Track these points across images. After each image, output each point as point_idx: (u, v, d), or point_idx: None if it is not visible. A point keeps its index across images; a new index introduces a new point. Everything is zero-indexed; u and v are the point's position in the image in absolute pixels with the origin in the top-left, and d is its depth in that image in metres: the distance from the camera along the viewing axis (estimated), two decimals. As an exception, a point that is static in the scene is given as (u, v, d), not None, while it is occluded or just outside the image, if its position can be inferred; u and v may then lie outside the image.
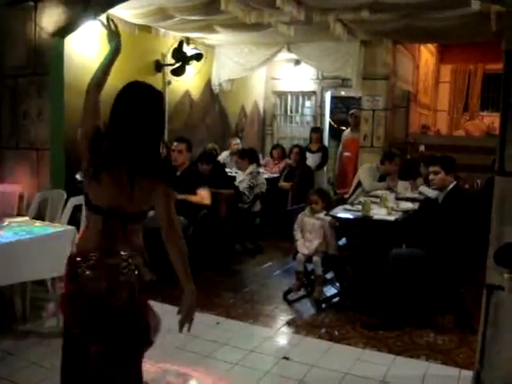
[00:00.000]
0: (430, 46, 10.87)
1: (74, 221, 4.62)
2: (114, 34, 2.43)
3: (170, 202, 2.28)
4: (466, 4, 5.25)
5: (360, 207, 5.14)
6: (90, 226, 2.29)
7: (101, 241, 2.24)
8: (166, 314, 2.46)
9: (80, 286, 2.24)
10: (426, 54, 10.87)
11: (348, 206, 5.45)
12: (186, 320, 2.25)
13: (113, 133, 2.21)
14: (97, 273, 2.22)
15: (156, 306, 2.44)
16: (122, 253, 2.22)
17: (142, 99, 2.24)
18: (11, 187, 5.43)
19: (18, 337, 4.12)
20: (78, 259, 2.25)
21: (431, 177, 4.68)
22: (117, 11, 6.05)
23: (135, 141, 2.19)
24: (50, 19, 5.26)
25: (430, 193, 5.68)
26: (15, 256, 3.68)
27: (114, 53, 2.43)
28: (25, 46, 5.38)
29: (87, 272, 2.23)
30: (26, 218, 4.50)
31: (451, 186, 4.59)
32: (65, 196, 5.04)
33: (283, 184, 7.75)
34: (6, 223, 4.12)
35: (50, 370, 3.63)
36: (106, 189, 2.20)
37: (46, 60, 5.32)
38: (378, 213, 5.10)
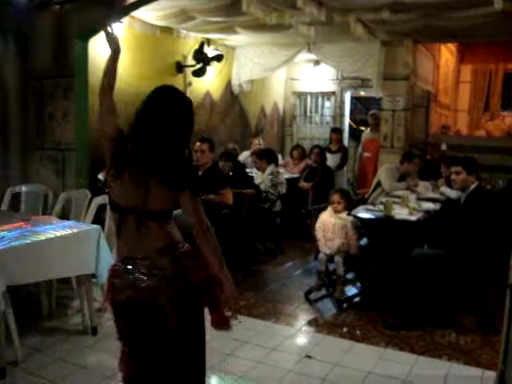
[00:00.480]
0: (450, 45, 10.82)
1: (98, 220, 4.69)
2: (112, 39, 2.48)
3: (196, 202, 2.29)
4: (488, 3, 5.24)
5: (381, 207, 5.15)
6: (114, 230, 2.33)
7: (122, 246, 2.28)
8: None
9: (113, 296, 2.30)
10: (447, 53, 10.82)
11: (369, 206, 5.45)
12: (232, 313, 2.34)
13: (138, 133, 2.22)
14: (122, 281, 2.26)
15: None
16: (140, 256, 2.22)
17: (170, 104, 2.24)
18: (36, 187, 5.54)
19: (44, 334, 4.21)
20: (111, 268, 2.33)
21: (453, 177, 4.68)
22: (139, 13, 6.16)
23: (159, 143, 2.19)
24: (75, 22, 5.36)
25: (452, 193, 5.68)
26: (42, 254, 3.74)
27: (115, 55, 2.48)
28: (50, 49, 5.49)
29: (115, 281, 2.29)
30: (52, 217, 4.57)
31: (473, 186, 4.58)
32: (89, 196, 5.11)
33: (303, 184, 7.76)
34: (31, 222, 4.19)
35: (75, 366, 3.72)
36: (124, 187, 2.23)
37: (71, 62, 5.43)
38: (400, 213, 5.11)
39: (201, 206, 2.30)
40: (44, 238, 3.82)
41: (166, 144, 2.20)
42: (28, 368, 3.64)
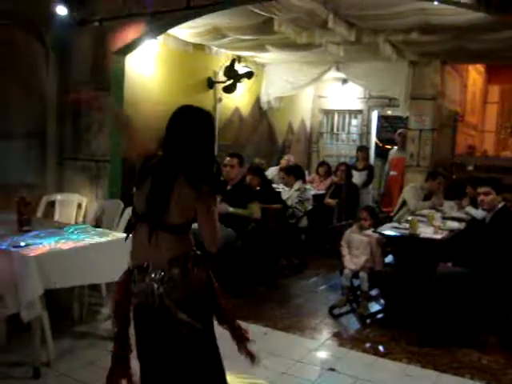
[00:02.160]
0: (478, 65, 10.84)
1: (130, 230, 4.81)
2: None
3: (212, 214, 2.34)
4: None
5: (407, 225, 5.21)
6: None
7: (136, 252, 2.43)
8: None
9: (130, 299, 2.44)
10: (474, 73, 10.84)
11: (395, 224, 5.52)
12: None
13: (166, 143, 2.41)
14: (135, 287, 2.40)
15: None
16: (152, 265, 2.34)
17: (188, 121, 2.41)
18: (71, 196, 5.72)
19: (75, 337, 4.35)
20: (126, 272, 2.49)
21: (481, 198, 4.72)
22: (173, 31, 6.33)
23: (185, 149, 2.36)
24: (113, 38, 5.57)
25: (477, 213, 5.71)
26: (77, 261, 3.88)
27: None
28: (89, 63, 5.71)
29: (132, 286, 2.43)
30: (86, 226, 4.73)
31: (500, 205, 4.63)
32: (122, 206, 5.26)
33: (329, 201, 7.83)
34: (66, 230, 4.35)
35: (104, 370, 3.82)
36: (143, 194, 2.39)
37: (108, 77, 5.63)
38: (425, 231, 5.16)
39: (216, 220, 2.36)
40: (79, 245, 3.97)
41: (190, 149, 2.36)
42: (60, 369, 3.77)
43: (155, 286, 2.31)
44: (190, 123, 2.39)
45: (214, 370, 2.46)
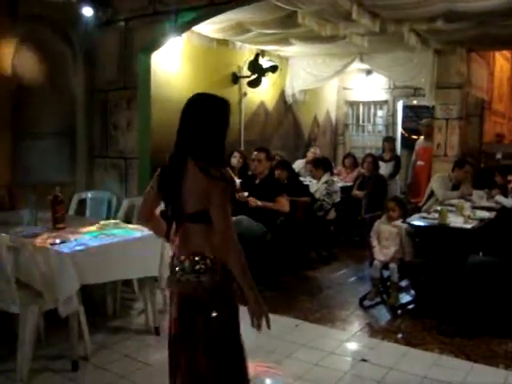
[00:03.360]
0: (505, 52, 10.67)
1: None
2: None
3: (222, 205, 2.27)
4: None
5: (436, 215, 5.18)
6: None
7: (173, 246, 2.47)
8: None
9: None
10: (501, 60, 10.67)
11: (424, 214, 5.50)
12: (254, 324, 2.31)
13: (181, 128, 2.41)
14: (172, 276, 2.45)
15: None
16: (182, 257, 2.36)
17: (199, 106, 2.41)
18: (101, 193, 5.82)
19: (110, 332, 4.45)
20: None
21: (511, 186, 4.68)
22: (197, 27, 6.37)
23: (193, 137, 2.35)
24: (138, 37, 5.64)
25: (507, 201, 5.66)
26: (111, 257, 3.95)
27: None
28: (116, 62, 5.79)
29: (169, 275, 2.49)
30: (118, 222, 4.80)
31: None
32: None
33: (357, 193, 7.81)
34: (98, 226, 4.43)
35: (140, 363, 3.92)
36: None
37: (134, 75, 5.69)
38: (455, 221, 5.13)
39: (228, 208, 2.29)
40: (112, 242, 4.03)
41: (200, 133, 2.35)
42: (97, 362, 3.86)
43: (183, 274, 2.35)
44: (201, 108, 2.39)
45: (234, 358, 2.45)
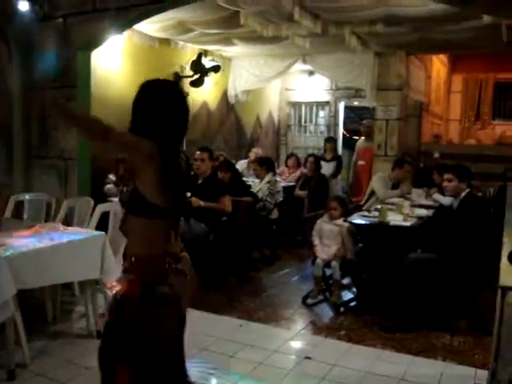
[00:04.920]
0: (441, 56, 11.03)
1: (101, 227, 4.78)
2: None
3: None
4: (477, 17, 5.43)
5: (377, 214, 5.30)
6: None
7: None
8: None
9: None
10: (438, 64, 11.03)
11: (365, 213, 5.60)
12: None
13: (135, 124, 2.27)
14: None
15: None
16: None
17: (152, 90, 2.27)
18: (39, 195, 5.64)
19: (50, 337, 4.30)
20: None
21: (445, 184, 4.84)
22: (138, 26, 6.28)
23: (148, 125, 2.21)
24: (77, 34, 5.51)
25: (444, 200, 5.83)
26: (50, 260, 3.83)
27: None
28: (54, 60, 5.62)
29: None
30: (57, 224, 4.67)
31: (464, 193, 4.73)
32: (92, 203, 5.21)
33: (299, 192, 7.89)
34: (38, 229, 4.30)
35: (82, 368, 3.81)
36: None
37: (73, 73, 5.55)
38: (394, 219, 5.25)
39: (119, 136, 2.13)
40: (50, 244, 3.92)
41: (157, 120, 2.22)
42: (36, 370, 3.72)
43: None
44: (154, 92, 2.25)
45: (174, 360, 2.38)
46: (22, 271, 3.58)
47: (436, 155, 9.35)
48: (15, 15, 5.38)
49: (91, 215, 5.02)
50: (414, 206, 6.06)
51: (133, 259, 2.23)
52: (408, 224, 5.13)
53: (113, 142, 2.12)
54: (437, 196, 6.20)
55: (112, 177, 6.01)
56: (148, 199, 2.18)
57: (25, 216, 5.49)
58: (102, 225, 4.76)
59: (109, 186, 6.05)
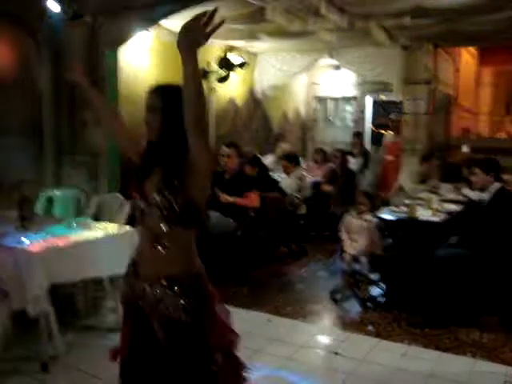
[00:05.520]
0: (470, 48, 10.86)
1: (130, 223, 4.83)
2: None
3: None
4: (508, 7, 5.34)
5: (405, 209, 5.26)
6: None
7: None
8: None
9: None
10: (467, 56, 10.86)
11: (393, 208, 5.57)
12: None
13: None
14: None
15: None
16: None
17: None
18: (69, 191, 5.73)
19: (81, 331, 4.40)
20: None
21: (472, 178, 4.78)
22: (165, 22, 6.32)
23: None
24: (105, 33, 5.57)
25: (474, 195, 5.75)
26: (78, 255, 3.91)
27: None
28: (82, 58, 5.70)
29: None
30: (87, 220, 4.74)
31: (496, 188, 4.66)
32: (120, 199, 5.27)
33: (326, 187, 7.86)
34: (67, 224, 4.37)
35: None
36: None
37: (101, 70, 5.62)
38: (423, 214, 5.20)
39: None
40: (81, 240, 4.00)
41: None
42: (68, 362, 3.81)
43: None
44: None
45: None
46: (53, 266, 3.66)
47: (465, 149, 9.21)
48: (45, 15, 5.47)
49: (120, 211, 5.09)
50: (442, 200, 5.99)
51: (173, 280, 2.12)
52: (437, 219, 5.08)
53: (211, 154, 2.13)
54: (466, 191, 6.11)
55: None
56: (201, 208, 2.10)
57: (55, 211, 5.59)
58: (131, 220, 4.81)
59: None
